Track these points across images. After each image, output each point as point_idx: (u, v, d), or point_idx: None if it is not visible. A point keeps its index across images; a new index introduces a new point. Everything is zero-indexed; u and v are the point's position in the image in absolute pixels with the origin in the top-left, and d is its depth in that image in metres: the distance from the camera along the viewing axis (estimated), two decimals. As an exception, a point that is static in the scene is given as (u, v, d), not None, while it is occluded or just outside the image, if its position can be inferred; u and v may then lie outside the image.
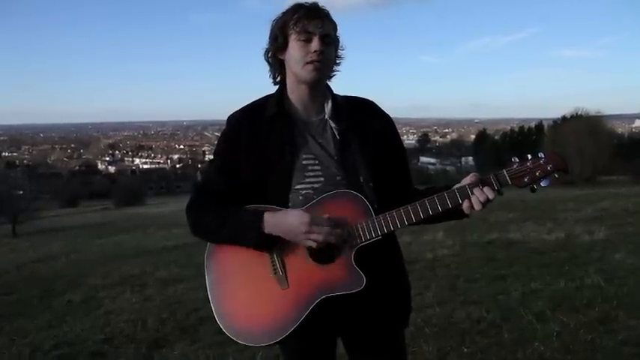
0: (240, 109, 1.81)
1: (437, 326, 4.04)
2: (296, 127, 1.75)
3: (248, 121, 1.76)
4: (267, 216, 1.66)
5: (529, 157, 1.64)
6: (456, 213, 1.67)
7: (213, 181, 1.78)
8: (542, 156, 1.63)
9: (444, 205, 1.64)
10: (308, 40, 1.68)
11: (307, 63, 1.68)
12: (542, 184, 1.63)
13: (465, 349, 3.59)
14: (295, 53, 1.70)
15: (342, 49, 1.79)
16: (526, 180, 1.62)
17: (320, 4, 1.73)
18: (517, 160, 1.64)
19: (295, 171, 1.72)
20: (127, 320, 5.11)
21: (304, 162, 1.73)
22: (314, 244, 1.64)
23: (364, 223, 1.66)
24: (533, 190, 1.64)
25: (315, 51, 1.67)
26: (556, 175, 1.63)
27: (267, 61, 1.79)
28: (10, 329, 5.23)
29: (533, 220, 9.74)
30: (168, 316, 5.11)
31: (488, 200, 1.62)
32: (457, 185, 1.67)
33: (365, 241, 1.66)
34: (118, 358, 4.09)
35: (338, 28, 1.76)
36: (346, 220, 1.67)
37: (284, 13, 1.73)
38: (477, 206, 1.63)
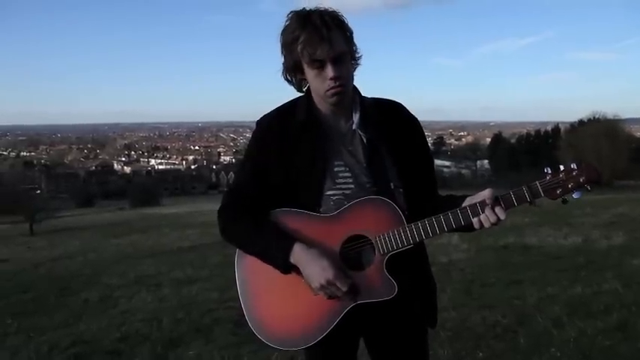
0: (270, 113, 1.80)
1: (452, 330, 4.02)
2: (326, 135, 1.74)
3: (279, 125, 1.75)
4: (297, 248, 1.65)
5: (561, 168, 1.61)
6: (469, 227, 1.67)
7: (245, 184, 1.78)
8: (575, 167, 1.61)
9: (458, 222, 1.65)
10: (320, 67, 1.64)
11: (326, 91, 1.66)
12: (574, 195, 1.61)
13: (480, 354, 3.56)
14: (311, 81, 1.68)
15: (359, 54, 1.72)
16: (558, 192, 1.61)
17: (324, 14, 1.63)
18: (549, 171, 1.62)
19: (326, 178, 1.72)
20: (143, 320, 5.15)
21: (335, 169, 1.73)
22: (324, 296, 1.66)
23: (396, 232, 1.66)
24: (564, 202, 1.63)
25: (331, 78, 1.63)
26: (588, 188, 1.60)
27: (287, 80, 1.75)
28: (27, 327, 5.29)
29: (550, 225, 9.65)
30: (184, 316, 5.14)
31: (498, 220, 1.62)
32: (469, 201, 1.66)
33: (396, 250, 1.67)
34: (133, 357, 4.12)
35: (347, 22, 1.67)
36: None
37: (288, 30, 1.65)
38: (487, 224, 1.63)
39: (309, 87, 1.75)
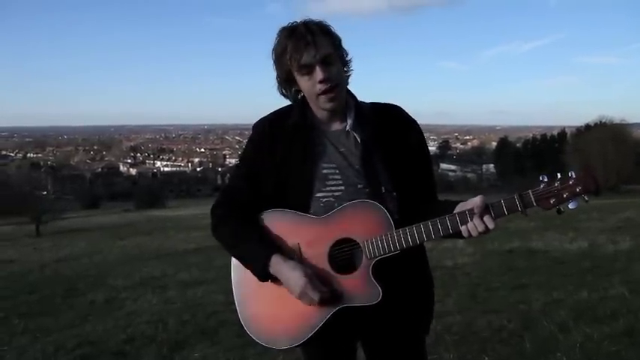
0: (265, 117, 1.83)
1: (457, 334, 4.01)
2: (317, 136, 1.76)
3: (272, 129, 1.79)
4: (274, 259, 1.67)
5: (558, 176, 1.54)
6: (458, 234, 1.64)
7: (237, 187, 1.81)
8: (572, 176, 1.53)
9: (446, 230, 1.62)
10: (310, 72, 1.67)
11: (319, 95, 1.69)
12: (569, 206, 1.54)
13: (486, 358, 3.55)
14: (304, 88, 1.72)
15: (348, 57, 1.74)
16: (552, 202, 1.53)
17: (309, 23, 1.68)
18: (545, 179, 1.55)
19: (315, 180, 1.73)
20: (149, 321, 5.17)
21: (324, 171, 1.74)
22: (306, 304, 1.67)
23: (383, 237, 1.65)
24: (559, 212, 1.56)
25: (320, 81, 1.66)
26: (585, 198, 1.54)
27: (282, 94, 1.80)
28: (34, 328, 5.32)
29: (555, 229, 9.63)
30: (189, 318, 5.16)
31: (487, 229, 1.58)
32: (459, 208, 1.62)
33: (383, 255, 1.65)
34: (139, 358, 4.13)
35: (334, 30, 1.71)
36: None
37: (277, 44, 1.71)
38: (474, 233, 1.59)
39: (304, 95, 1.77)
